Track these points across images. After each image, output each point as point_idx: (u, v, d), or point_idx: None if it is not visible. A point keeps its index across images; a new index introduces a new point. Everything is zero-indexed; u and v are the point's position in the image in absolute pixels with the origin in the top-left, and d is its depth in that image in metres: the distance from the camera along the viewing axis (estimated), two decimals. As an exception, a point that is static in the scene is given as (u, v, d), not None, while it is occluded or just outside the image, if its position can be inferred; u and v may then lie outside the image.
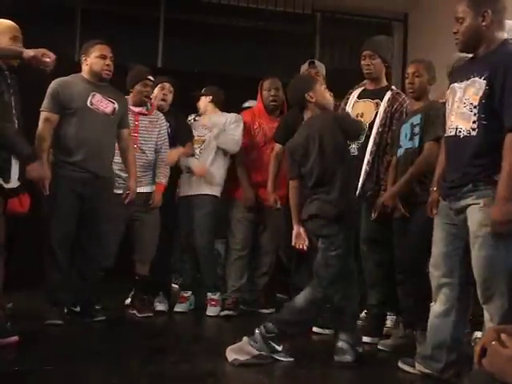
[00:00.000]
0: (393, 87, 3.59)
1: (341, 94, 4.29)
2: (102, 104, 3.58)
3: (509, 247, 2.39)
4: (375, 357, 3.14)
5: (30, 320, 3.40)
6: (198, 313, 4.05)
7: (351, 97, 3.60)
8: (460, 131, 2.47)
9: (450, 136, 2.53)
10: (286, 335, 2.90)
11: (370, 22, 6.21)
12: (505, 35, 2.51)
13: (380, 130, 3.38)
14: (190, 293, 4.14)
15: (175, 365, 2.77)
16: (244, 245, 4.17)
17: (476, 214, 2.43)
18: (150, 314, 3.88)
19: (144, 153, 3.93)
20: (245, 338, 2.87)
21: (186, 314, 4.03)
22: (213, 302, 4.00)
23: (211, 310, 3.97)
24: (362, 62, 3.55)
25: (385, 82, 3.59)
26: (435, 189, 2.71)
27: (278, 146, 3.98)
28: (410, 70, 3.30)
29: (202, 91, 4.22)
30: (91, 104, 3.55)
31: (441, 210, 2.63)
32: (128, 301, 4.08)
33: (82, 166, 3.49)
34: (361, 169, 3.39)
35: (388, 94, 3.43)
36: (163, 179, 3.99)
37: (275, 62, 4.63)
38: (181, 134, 4.15)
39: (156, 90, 4.15)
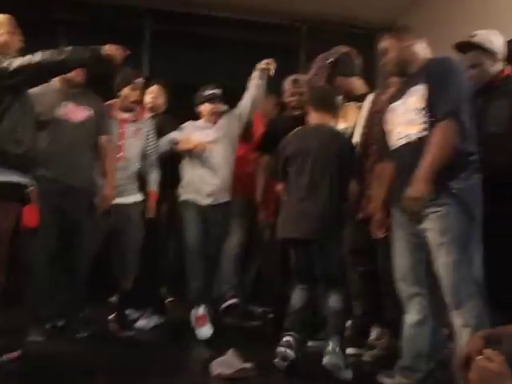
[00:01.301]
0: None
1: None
2: (75, 113, 3.51)
3: (472, 249, 2.45)
4: (360, 368, 3.12)
5: (12, 337, 3.34)
6: (181, 327, 3.97)
7: None
8: (411, 137, 2.57)
9: (401, 146, 2.62)
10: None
11: (355, 33, 6.25)
12: (428, 53, 2.70)
13: (363, 130, 3.38)
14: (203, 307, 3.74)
15: (159, 379, 2.75)
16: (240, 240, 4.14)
17: (437, 223, 2.49)
18: (131, 334, 3.78)
19: (129, 161, 3.81)
20: (230, 351, 2.85)
21: (169, 328, 3.96)
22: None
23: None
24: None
25: (363, 90, 3.58)
26: (378, 211, 2.81)
27: (265, 158, 3.95)
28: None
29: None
30: (63, 115, 3.47)
31: (400, 222, 2.66)
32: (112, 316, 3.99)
33: (57, 179, 3.42)
34: None
35: (370, 96, 3.45)
36: (155, 187, 3.88)
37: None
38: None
39: (146, 95, 4.11)
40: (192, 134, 3.87)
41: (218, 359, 2.82)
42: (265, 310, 4.17)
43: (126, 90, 3.84)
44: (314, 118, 3.18)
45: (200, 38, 6.01)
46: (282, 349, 2.96)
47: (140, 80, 3.92)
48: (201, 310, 3.69)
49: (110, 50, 3.04)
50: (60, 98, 3.50)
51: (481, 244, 2.51)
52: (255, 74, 3.89)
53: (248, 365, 2.81)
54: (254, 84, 3.88)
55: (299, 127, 3.29)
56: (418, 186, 2.45)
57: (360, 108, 3.43)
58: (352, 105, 3.49)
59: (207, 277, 3.79)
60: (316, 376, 3.00)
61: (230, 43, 6.03)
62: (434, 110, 2.51)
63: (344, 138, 3.25)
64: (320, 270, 3.04)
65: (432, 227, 2.51)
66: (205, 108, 3.89)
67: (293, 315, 3.08)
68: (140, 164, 3.88)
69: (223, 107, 3.95)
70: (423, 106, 2.54)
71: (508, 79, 2.97)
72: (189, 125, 3.97)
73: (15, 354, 2.89)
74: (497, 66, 2.99)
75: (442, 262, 2.48)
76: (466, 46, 3.02)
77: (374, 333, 3.53)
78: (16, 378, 2.67)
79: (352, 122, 3.44)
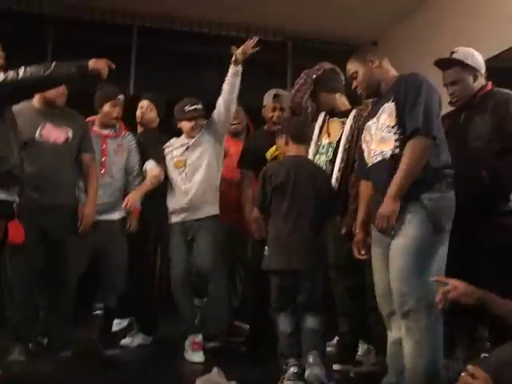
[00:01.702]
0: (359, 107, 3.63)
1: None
2: (53, 134, 3.46)
3: (431, 261, 2.44)
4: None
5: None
6: (166, 345, 3.95)
7: (319, 117, 3.61)
8: (385, 153, 2.58)
9: (376, 163, 2.63)
10: None
11: (341, 49, 6.30)
12: (395, 72, 2.73)
13: (347, 146, 3.39)
14: (200, 337, 3.64)
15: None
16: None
17: (399, 228, 2.50)
18: (116, 352, 3.75)
19: (112, 177, 3.78)
20: (214, 369, 2.82)
21: (154, 345, 3.91)
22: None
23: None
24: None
25: (347, 106, 3.60)
26: (358, 231, 2.81)
27: (248, 174, 3.94)
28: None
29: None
30: (40, 136, 3.42)
31: (377, 239, 2.66)
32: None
33: (38, 200, 3.36)
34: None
35: (353, 112, 3.47)
36: (138, 203, 3.83)
37: (247, 90, 4.65)
38: (154, 153, 3.90)
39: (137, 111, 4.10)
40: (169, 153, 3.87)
41: (203, 377, 2.78)
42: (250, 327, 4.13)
43: (106, 107, 3.83)
44: (294, 149, 3.25)
45: (186, 54, 6.04)
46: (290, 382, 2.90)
47: (121, 96, 3.92)
48: (199, 337, 3.62)
49: (96, 64, 3.00)
50: (38, 118, 3.45)
51: (442, 257, 2.49)
52: (229, 71, 3.82)
53: (232, 383, 2.78)
54: (227, 82, 3.82)
55: (283, 158, 3.36)
56: (388, 204, 2.46)
57: (343, 123, 3.45)
58: (335, 120, 3.50)
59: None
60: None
61: (217, 59, 6.05)
62: (403, 128, 2.52)
63: (325, 173, 3.34)
64: (303, 298, 3.07)
65: (395, 232, 2.51)
66: (184, 125, 3.84)
67: (288, 340, 3.04)
68: (123, 180, 3.87)
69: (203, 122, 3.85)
70: (394, 123, 2.55)
71: (489, 95, 2.99)
72: (172, 142, 3.93)
73: None
74: (478, 82, 3.01)
75: (395, 265, 2.49)
76: (446, 63, 3.04)
77: (361, 349, 3.52)
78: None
79: (335, 137, 3.45)
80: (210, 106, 4.50)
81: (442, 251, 2.50)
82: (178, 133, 3.92)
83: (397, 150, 2.53)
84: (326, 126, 3.52)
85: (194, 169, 3.78)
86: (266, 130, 4.08)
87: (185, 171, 3.79)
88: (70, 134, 3.52)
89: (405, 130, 2.52)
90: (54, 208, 3.42)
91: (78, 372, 3.22)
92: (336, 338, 3.69)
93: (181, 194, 3.78)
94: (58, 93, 3.47)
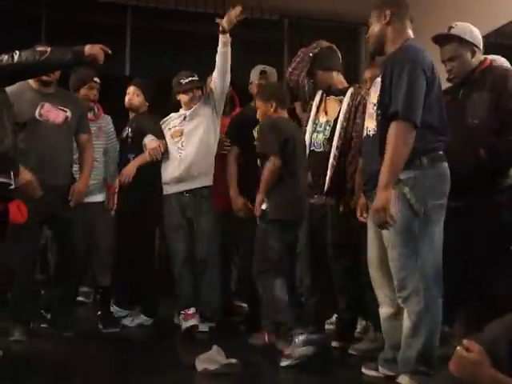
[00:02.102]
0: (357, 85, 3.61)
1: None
2: (52, 114, 3.45)
3: (419, 244, 2.42)
4: (346, 361, 3.14)
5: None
6: (165, 324, 3.97)
7: (317, 95, 3.59)
8: (369, 130, 2.58)
9: (364, 137, 2.64)
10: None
11: (338, 27, 6.26)
12: (409, 33, 2.60)
13: (344, 124, 3.38)
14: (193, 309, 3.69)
15: (144, 375, 2.73)
16: (216, 255, 4.11)
17: None
18: (116, 330, 3.78)
19: (95, 160, 3.79)
20: (214, 347, 2.84)
21: (154, 326, 3.93)
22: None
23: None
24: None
25: (344, 84, 3.59)
26: (359, 194, 2.79)
27: (234, 149, 3.91)
28: (367, 75, 3.40)
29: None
30: (40, 115, 3.41)
31: (370, 213, 2.64)
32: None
33: (38, 180, 3.29)
34: (327, 164, 3.40)
35: (350, 90, 3.46)
36: (114, 181, 3.91)
37: (244, 69, 4.64)
38: (153, 130, 3.94)
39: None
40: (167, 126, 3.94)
41: (203, 355, 2.80)
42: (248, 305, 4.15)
43: (83, 90, 3.86)
44: (283, 114, 3.46)
45: (182, 33, 5.98)
46: (302, 349, 2.95)
47: (97, 79, 3.93)
48: (191, 310, 3.67)
49: (91, 49, 2.98)
50: (36, 97, 3.44)
51: (436, 236, 2.46)
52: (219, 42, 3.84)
53: (233, 360, 2.80)
54: (218, 53, 3.84)
55: (278, 117, 3.44)
56: (380, 196, 2.39)
57: (341, 102, 3.44)
58: (333, 99, 3.49)
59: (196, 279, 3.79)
60: (304, 370, 3.01)
61: (212, 39, 6.00)
62: (382, 107, 2.47)
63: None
64: None
65: None
66: (182, 97, 3.92)
67: (287, 308, 3.12)
68: (104, 162, 3.94)
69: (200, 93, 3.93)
70: (376, 101, 2.51)
71: (487, 71, 2.95)
72: (169, 116, 3.99)
73: None
74: (476, 58, 2.97)
75: (390, 258, 2.49)
76: (444, 39, 2.99)
77: (359, 326, 3.55)
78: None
79: (333, 115, 3.44)
80: (205, 86, 4.48)
81: (434, 230, 2.46)
82: (174, 109, 3.97)
83: (376, 129, 2.51)
84: (323, 105, 3.50)
85: (190, 138, 3.84)
86: (253, 107, 4.05)
87: (181, 141, 3.85)
88: (69, 114, 3.51)
89: (384, 110, 2.46)
90: (54, 188, 3.41)
91: (79, 351, 3.25)
92: (335, 316, 3.71)
93: (176, 163, 3.83)
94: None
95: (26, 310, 3.43)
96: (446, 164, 2.52)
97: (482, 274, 2.76)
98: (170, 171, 3.86)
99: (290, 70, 3.56)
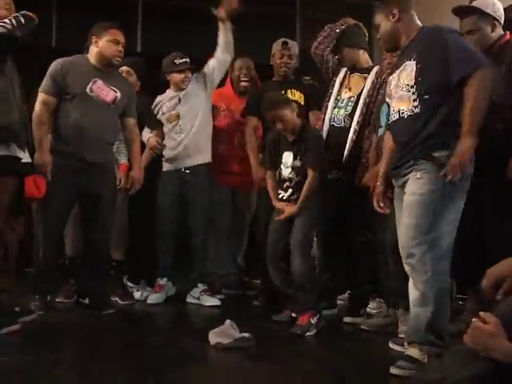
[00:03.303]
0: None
1: (321, 76, 4.30)
2: (103, 92, 3.45)
3: (437, 219, 2.40)
4: (360, 337, 3.16)
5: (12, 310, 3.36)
6: (179, 298, 4.00)
7: (341, 72, 3.59)
8: (403, 112, 2.51)
9: (395, 120, 2.58)
10: None
11: (351, 2, 6.16)
12: (418, 23, 2.59)
13: (367, 100, 3.40)
14: (165, 280, 3.97)
15: (157, 350, 2.75)
16: (224, 230, 4.14)
17: (411, 185, 2.47)
18: (133, 302, 3.87)
19: None
20: (227, 321, 2.87)
21: (168, 299, 3.96)
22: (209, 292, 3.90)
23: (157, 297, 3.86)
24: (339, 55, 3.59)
25: (369, 63, 3.57)
26: (379, 183, 2.74)
27: (252, 120, 3.91)
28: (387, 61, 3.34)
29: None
30: (91, 91, 3.42)
31: (396, 195, 2.64)
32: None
33: (76, 156, 3.38)
34: (346, 139, 3.40)
35: (376, 68, 3.47)
36: (124, 159, 3.93)
37: (255, 45, 4.61)
38: (147, 119, 4.02)
39: None
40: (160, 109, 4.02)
41: (216, 329, 2.83)
42: (262, 281, 4.18)
43: None
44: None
45: (193, 10, 5.92)
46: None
47: None
48: (163, 281, 3.92)
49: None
50: (91, 73, 3.45)
51: (456, 214, 2.44)
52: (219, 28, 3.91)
53: (246, 335, 2.83)
54: (219, 37, 3.94)
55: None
56: (463, 142, 2.34)
57: (365, 79, 3.44)
58: (357, 75, 3.49)
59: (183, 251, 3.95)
60: (315, 344, 3.03)
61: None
62: (422, 87, 2.43)
63: None
64: None
65: (407, 190, 2.50)
66: (174, 77, 3.97)
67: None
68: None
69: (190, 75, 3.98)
70: (413, 82, 2.46)
71: (507, 46, 2.91)
72: (160, 99, 4.05)
73: (16, 327, 2.88)
74: (496, 33, 2.92)
75: (403, 223, 2.48)
76: (464, 11, 2.93)
77: (371, 302, 3.57)
78: (15, 349, 2.69)
79: (356, 92, 3.44)
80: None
81: (455, 207, 2.44)
82: (161, 90, 4.05)
83: (416, 110, 2.45)
84: (346, 81, 3.50)
85: (187, 120, 3.92)
86: (275, 81, 4.03)
87: (178, 124, 3.94)
88: (119, 95, 3.51)
89: (424, 90, 2.42)
90: (93, 165, 3.42)
91: (94, 325, 3.28)
92: (347, 292, 3.73)
93: (175, 143, 3.93)
94: (117, 51, 3.46)
95: (45, 284, 3.47)
96: None
97: (496, 250, 2.75)
98: (168, 150, 3.97)
99: (315, 44, 3.56)
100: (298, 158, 3.30)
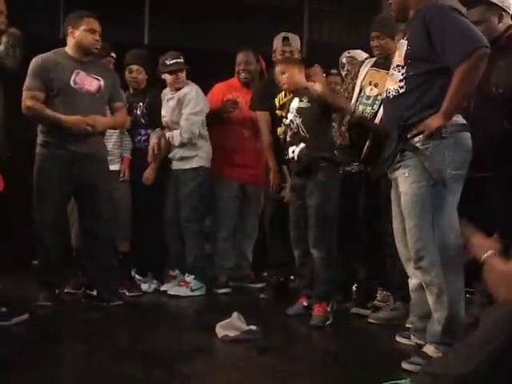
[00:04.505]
0: None
1: (330, 68, 4.28)
2: (86, 82, 3.46)
3: (436, 215, 2.38)
4: (367, 330, 3.16)
5: (21, 302, 3.39)
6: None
7: (364, 65, 3.54)
8: (390, 92, 2.50)
9: (384, 99, 2.58)
10: None
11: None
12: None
13: None
14: (177, 271, 4.07)
15: (164, 342, 2.77)
16: (230, 224, 4.16)
17: (402, 185, 2.47)
18: (140, 293, 3.89)
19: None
20: (234, 314, 2.88)
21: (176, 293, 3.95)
22: (182, 283, 3.93)
23: (177, 290, 3.89)
24: (371, 43, 3.49)
25: None
26: None
27: (263, 114, 3.88)
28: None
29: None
30: (74, 83, 3.42)
31: (392, 185, 2.63)
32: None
33: (67, 148, 3.40)
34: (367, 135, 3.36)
35: None
36: (127, 152, 3.98)
37: (263, 37, 4.59)
38: (155, 118, 4.05)
39: (126, 73, 4.08)
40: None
41: (223, 322, 2.84)
42: (268, 274, 4.19)
43: None
44: None
45: (201, 2, 5.90)
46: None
47: (113, 54, 3.99)
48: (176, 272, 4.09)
49: None
50: (71, 65, 3.45)
51: (453, 207, 2.41)
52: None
53: (253, 327, 2.83)
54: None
55: None
56: (435, 117, 2.34)
57: None
58: (383, 72, 3.34)
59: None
60: (323, 337, 3.04)
61: (232, 7, 5.93)
62: (410, 68, 2.41)
63: None
64: None
65: (400, 190, 2.49)
66: (166, 77, 4.00)
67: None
68: (118, 132, 3.98)
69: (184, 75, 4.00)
70: (402, 63, 2.44)
71: (514, 38, 2.85)
72: (163, 95, 4.08)
73: (23, 317, 2.91)
74: (503, 23, 2.87)
75: (407, 227, 2.47)
76: (472, 1, 2.86)
77: (379, 295, 3.56)
78: (21, 339, 2.71)
79: (383, 89, 3.35)
80: (224, 55, 4.47)
81: (451, 200, 2.41)
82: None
83: (401, 90, 2.44)
84: (372, 77, 3.42)
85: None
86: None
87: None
88: (102, 82, 3.52)
89: (411, 72, 2.40)
90: (87, 156, 3.44)
91: (102, 316, 3.31)
92: (355, 285, 3.73)
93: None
94: (94, 40, 3.46)
95: (52, 276, 3.49)
96: (466, 134, 2.45)
97: (503, 245, 2.73)
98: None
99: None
100: (305, 99, 3.29)
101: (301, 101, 3.29)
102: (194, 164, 3.98)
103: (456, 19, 2.35)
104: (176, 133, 3.96)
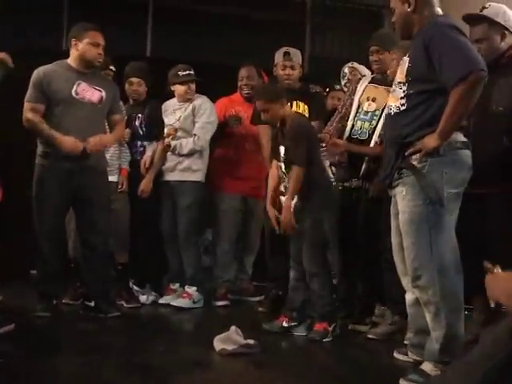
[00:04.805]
0: None
1: (332, 83, 4.30)
2: (88, 93, 3.48)
3: (434, 233, 2.38)
4: (365, 345, 3.16)
5: (19, 312, 3.38)
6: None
7: (362, 81, 3.56)
8: (391, 108, 2.52)
9: (385, 115, 2.60)
10: None
11: (361, 9, 6.17)
12: (438, 11, 2.53)
13: None
14: (177, 285, 4.07)
15: (162, 355, 2.76)
16: (231, 236, 4.17)
17: (400, 203, 2.48)
18: (138, 305, 3.88)
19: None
20: (232, 328, 2.87)
21: (171, 305, 3.93)
22: (184, 295, 3.92)
23: (180, 302, 3.87)
24: (370, 58, 3.49)
25: None
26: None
27: (264, 128, 3.83)
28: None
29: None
30: (76, 94, 3.44)
31: (392, 203, 2.64)
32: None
33: (67, 159, 3.40)
34: None
35: None
36: (126, 163, 3.99)
37: (266, 51, 4.62)
38: (153, 130, 4.06)
39: (126, 86, 4.10)
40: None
41: (221, 335, 2.83)
42: (267, 286, 4.18)
43: None
44: (289, 108, 3.54)
45: (204, 15, 5.94)
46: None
47: (112, 67, 3.98)
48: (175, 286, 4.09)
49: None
50: (73, 76, 3.47)
51: (451, 225, 2.42)
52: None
53: (251, 341, 2.83)
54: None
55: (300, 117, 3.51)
56: (429, 139, 2.35)
57: (389, 91, 3.36)
58: (382, 88, 3.39)
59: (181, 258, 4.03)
60: (321, 352, 3.03)
61: (235, 20, 5.97)
62: (410, 86, 2.42)
63: None
64: None
65: (398, 207, 2.50)
66: (178, 88, 4.05)
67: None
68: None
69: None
70: (404, 80, 2.45)
71: (516, 57, 2.86)
72: (165, 107, 4.13)
73: (10, 326, 2.89)
74: (506, 42, 2.87)
75: (405, 245, 2.47)
76: (474, 19, 2.89)
77: (377, 311, 3.56)
78: (17, 351, 2.70)
79: (381, 104, 3.36)
80: (226, 68, 4.50)
81: (449, 219, 2.42)
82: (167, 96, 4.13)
83: (402, 108, 2.45)
84: (369, 92, 3.43)
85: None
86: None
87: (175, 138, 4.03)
88: (104, 94, 3.54)
89: (412, 89, 2.41)
90: (86, 167, 3.45)
91: (100, 328, 3.30)
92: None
93: (171, 155, 4.03)
94: (98, 54, 3.48)
95: (50, 287, 3.49)
96: (466, 151, 2.45)
97: (502, 262, 2.73)
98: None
99: None
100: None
101: (285, 152, 3.30)
102: (194, 177, 4.00)
103: (454, 39, 2.35)
104: (186, 141, 3.97)
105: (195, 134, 3.97)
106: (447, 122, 2.34)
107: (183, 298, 3.90)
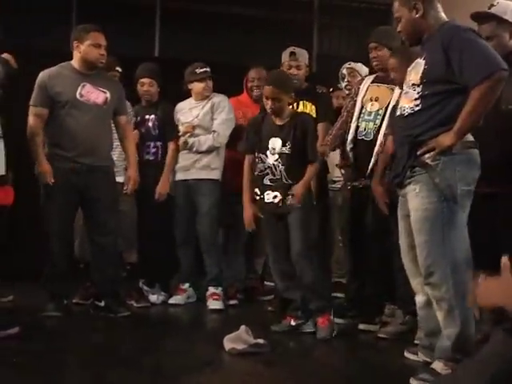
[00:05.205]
0: None
1: (336, 82, 4.30)
2: (93, 95, 3.50)
3: (446, 230, 2.38)
4: (375, 344, 3.14)
5: (30, 312, 3.41)
6: (194, 303, 4.03)
7: (364, 82, 3.54)
8: (404, 109, 2.51)
9: (397, 117, 2.57)
10: None
11: (368, 8, 6.15)
12: (443, 16, 2.53)
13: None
14: (187, 285, 4.06)
15: (172, 355, 2.78)
16: (244, 236, 4.16)
17: (411, 201, 2.47)
18: (148, 304, 3.90)
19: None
20: (242, 327, 2.87)
21: (183, 304, 3.98)
22: (215, 297, 3.87)
23: (215, 304, 3.83)
24: (370, 55, 3.48)
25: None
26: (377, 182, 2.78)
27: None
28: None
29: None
30: (81, 96, 3.46)
31: (400, 203, 2.63)
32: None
33: (74, 160, 3.44)
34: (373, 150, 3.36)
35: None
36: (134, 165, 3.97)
37: (273, 50, 4.62)
38: (166, 130, 4.07)
39: (138, 87, 4.11)
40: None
41: (231, 335, 2.83)
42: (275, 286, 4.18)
43: None
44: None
45: (212, 15, 5.96)
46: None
47: (119, 68, 3.97)
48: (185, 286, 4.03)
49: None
50: (78, 78, 3.49)
51: (463, 222, 2.41)
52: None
53: (261, 341, 2.83)
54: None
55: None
56: (446, 136, 2.35)
57: (392, 90, 3.34)
58: (383, 86, 3.39)
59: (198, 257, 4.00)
60: (330, 352, 3.03)
61: (242, 20, 5.98)
62: (425, 88, 2.41)
63: None
64: None
65: (410, 205, 2.49)
66: (196, 85, 4.04)
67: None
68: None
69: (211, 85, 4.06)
70: (418, 82, 2.45)
71: (525, 54, 2.84)
72: (180, 107, 4.11)
73: (15, 330, 2.89)
74: None
75: (416, 243, 2.46)
76: (482, 17, 2.88)
77: (387, 310, 3.55)
78: (28, 350, 2.71)
79: (384, 104, 3.37)
80: (233, 68, 4.49)
81: (462, 216, 2.42)
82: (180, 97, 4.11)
83: (416, 108, 2.45)
84: (372, 92, 3.41)
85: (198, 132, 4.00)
86: None
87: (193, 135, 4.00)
88: (109, 95, 3.55)
89: (427, 90, 2.41)
90: (92, 169, 3.47)
91: (110, 329, 3.31)
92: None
93: (188, 153, 4.00)
94: (99, 55, 3.50)
95: (60, 287, 3.51)
96: (475, 150, 2.46)
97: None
98: (181, 158, 4.05)
99: None
100: (288, 144, 3.23)
101: (284, 145, 3.24)
102: (212, 175, 3.99)
103: (474, 40, 2.37)
104: (205, 137, 3.96)
105: (214, 131, 3.96)
106: (466, 121, 2.35)
107: (216, 299, 3.84)
